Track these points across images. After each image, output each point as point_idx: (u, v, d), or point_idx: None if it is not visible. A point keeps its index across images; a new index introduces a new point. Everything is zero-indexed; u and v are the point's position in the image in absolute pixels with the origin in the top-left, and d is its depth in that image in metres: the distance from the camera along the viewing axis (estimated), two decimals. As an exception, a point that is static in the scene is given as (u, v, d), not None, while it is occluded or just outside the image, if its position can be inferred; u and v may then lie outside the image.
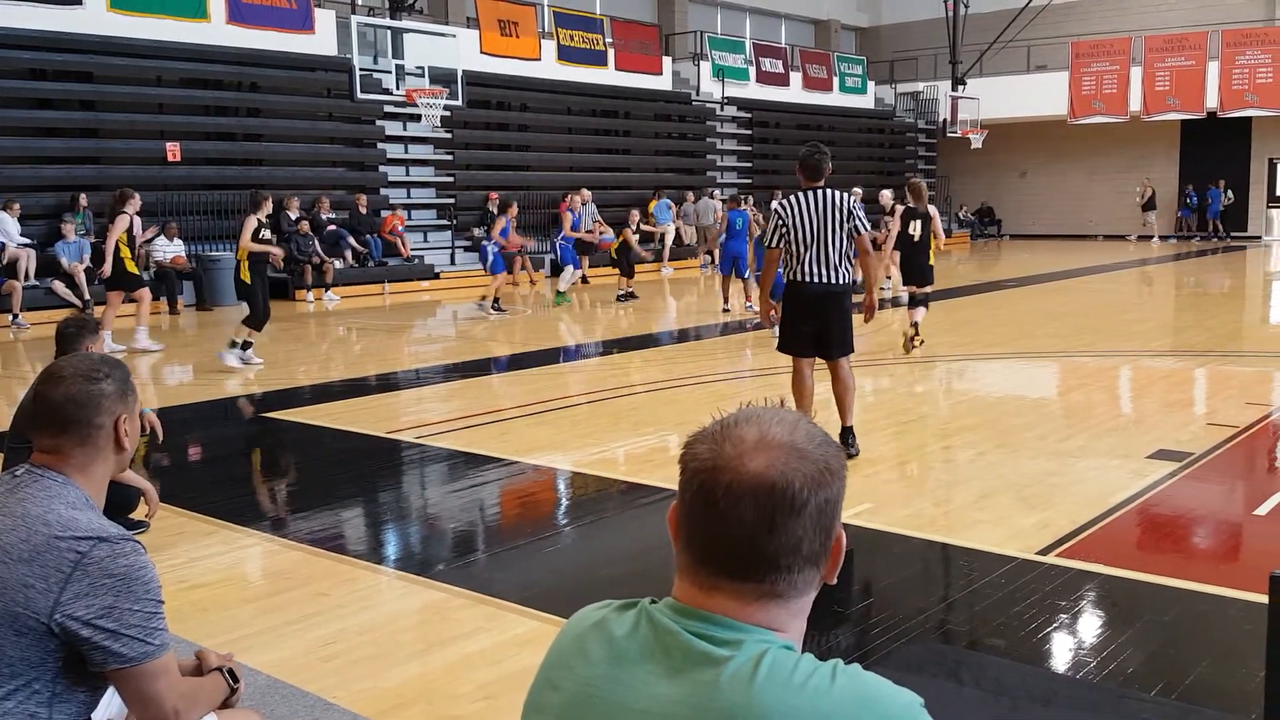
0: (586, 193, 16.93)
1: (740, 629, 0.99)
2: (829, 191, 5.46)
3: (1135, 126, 26.59)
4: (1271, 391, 8.08)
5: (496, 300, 13.18)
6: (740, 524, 0.99)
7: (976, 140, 27.04)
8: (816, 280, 5.46)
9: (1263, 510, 4.83)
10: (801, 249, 5.45)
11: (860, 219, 5.48)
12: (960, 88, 27.15)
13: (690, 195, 21.02)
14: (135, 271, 10.26)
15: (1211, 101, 25.12)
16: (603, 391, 8.11)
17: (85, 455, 1.74)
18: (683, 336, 11.71)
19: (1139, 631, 3.50)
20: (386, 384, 8.70)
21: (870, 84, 28.80)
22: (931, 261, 9.59)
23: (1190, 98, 25.27)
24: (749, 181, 23.67)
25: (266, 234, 9.27)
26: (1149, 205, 27.04)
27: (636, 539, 4.68)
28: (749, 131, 24.55)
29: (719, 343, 11.02)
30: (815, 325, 5.55)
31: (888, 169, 27.79)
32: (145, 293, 10.38)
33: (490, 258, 13.24)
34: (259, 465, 6.62)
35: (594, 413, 7.37)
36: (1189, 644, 3.41)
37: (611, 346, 10.70)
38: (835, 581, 1.07)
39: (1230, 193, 26.54)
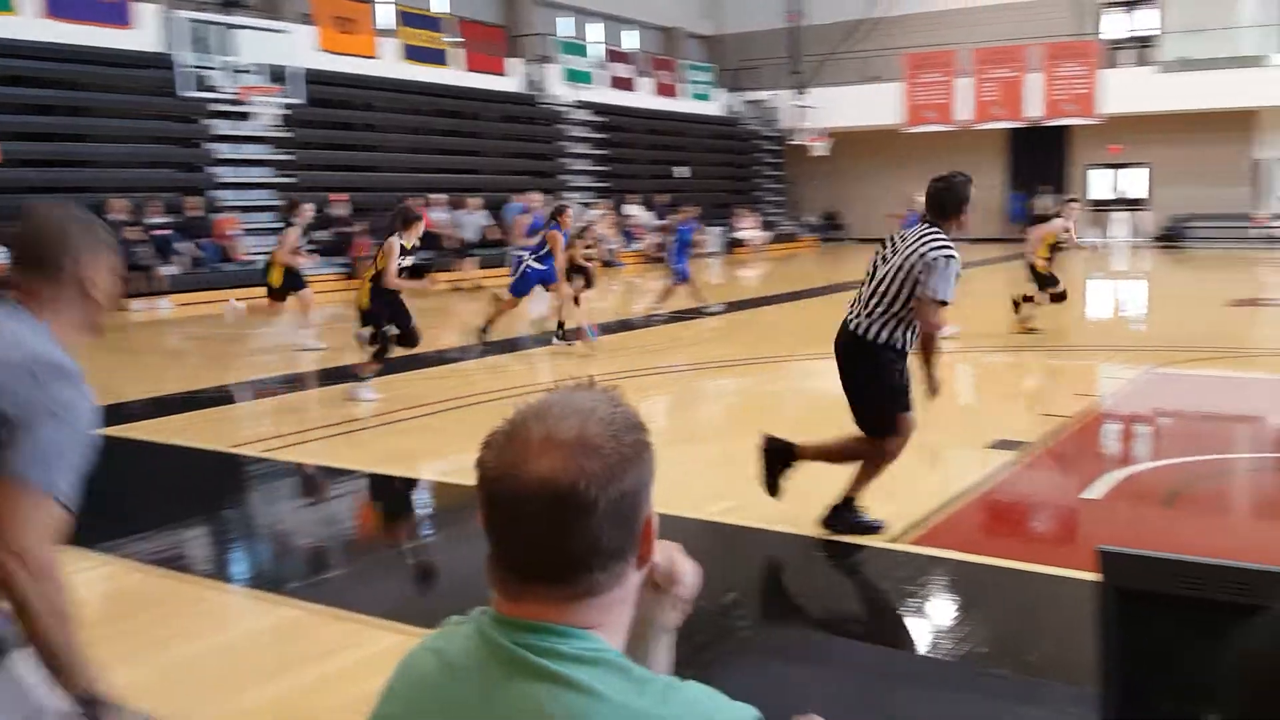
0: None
1: (562, 634, 0.97)
2: (926, 235, 4.30)
3: (966, 134, 28.06)
4: (1096, 382, 8.68)
5: (562, 327, 10.52)
6: (532, 531, 0.96)
7: (820, 148, 27.99)
8: (847, 321, 4.47)
9: (1090, 494, 5.19)
10: (863, 284, 4.47)
11: (934, 282, 4.19)
12: (802, 96, 28.07)
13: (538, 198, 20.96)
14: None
15: (1034, 111, 26.75)
16: (466, 397, 8.02)
17: (52, 294, 1.80)
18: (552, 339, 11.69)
19: (987, 612, 3.71)
20: (227, 396, 8.36)
21: (717, 91, 29.44)
22: None
23: (1014, 108, 26.86)
24: (607, 185, 23.83)
25: None
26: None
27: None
28: (603, 135, 24.72)
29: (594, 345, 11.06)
30: (842, 380, 4.55)
31: (736, 175, 28.46)
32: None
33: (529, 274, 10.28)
34: (91, 485, 6.25)
35: (456, 420, 7.28)
36: (1033, 622, 3.64)
37: (479, 350, 10.56)
38: (655, 560, 1.05)
39: (1047, 198, 28.33)
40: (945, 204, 4.40)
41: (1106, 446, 6.57)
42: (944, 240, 4.25)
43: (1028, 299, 10.67)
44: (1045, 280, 10.57)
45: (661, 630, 1.14)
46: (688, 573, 1.14)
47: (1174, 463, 5.80)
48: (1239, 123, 25.79)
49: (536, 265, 10.19)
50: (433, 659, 1.04)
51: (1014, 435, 6.32)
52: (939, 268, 4.17)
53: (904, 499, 5.02)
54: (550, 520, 0.96)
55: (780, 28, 28.08)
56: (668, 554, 1.11)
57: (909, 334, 4.33)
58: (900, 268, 4.25)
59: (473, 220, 19.17)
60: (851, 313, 4.44)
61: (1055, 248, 10.63)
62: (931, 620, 3.68)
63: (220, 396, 8.27)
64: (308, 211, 10.72)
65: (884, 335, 4.31)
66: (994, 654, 3.33)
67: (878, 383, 4.37)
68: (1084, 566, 3.87)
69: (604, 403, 1.02)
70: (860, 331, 4.35)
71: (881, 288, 4.30)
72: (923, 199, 4.54)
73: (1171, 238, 26.82)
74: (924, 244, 4.24)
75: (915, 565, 4.14)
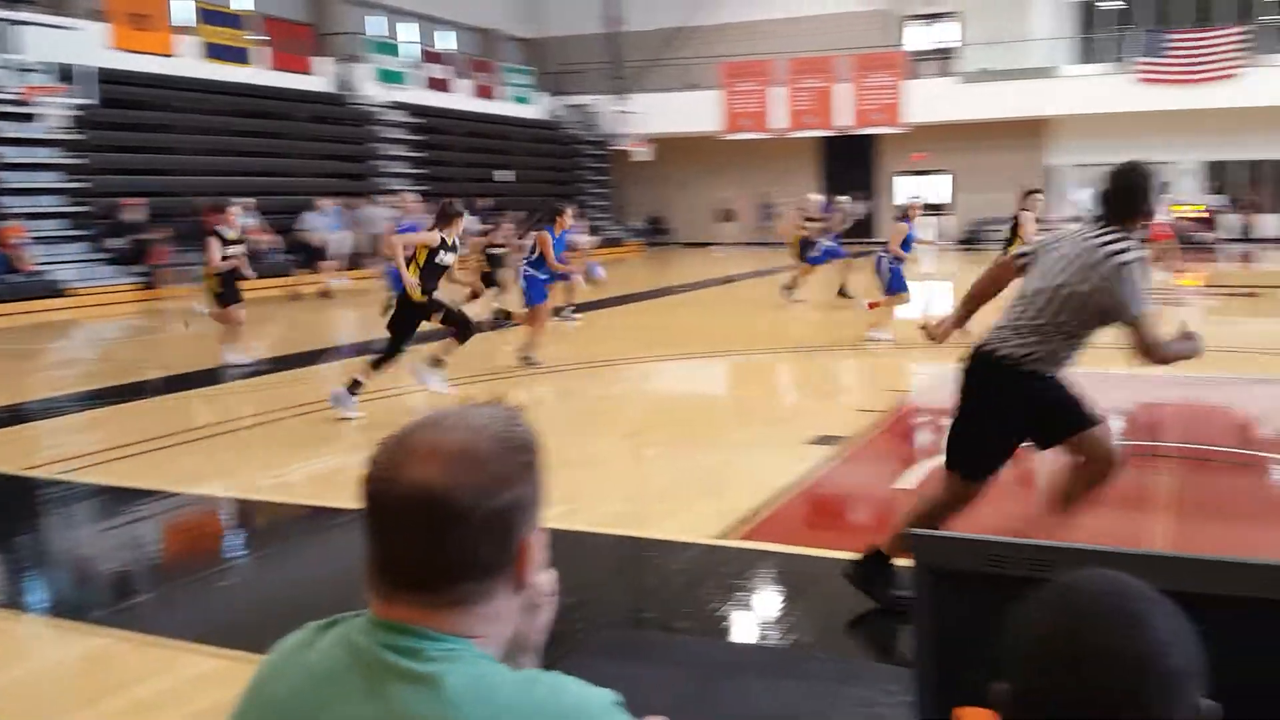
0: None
1: (433, 639, 0.98)
2: (1105, 236, 3.36)
3: (782, 142, 29.12)
4: (905, 378, 9.18)
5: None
6: (406, 536, 0.98)
7: (642, 153, 28.42)
8: (985, 342, 3.56)
9: (904, 483, 5.49)
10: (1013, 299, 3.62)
11: (1127, 296, 3.28)
12: (624, 102, 28.45)
13: (356, 202, 20.43)
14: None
15: (844, 120, 28.02)
16: (277, 412, 7.73)
17: None
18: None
19: (812, 601, 3.88)
20: (17, 415, 7.78)
21: (538, 95, 29.46)
22: None
23: (825, 116, 28.07)
24: (427, 189, 23.43)
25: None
26: (730, 218, 29.42)
27: (323, 563, 4.53)
28: (420, 137, 24.30)
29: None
30: (962, 404, 3.64)
31: (559, 179, 28.54)
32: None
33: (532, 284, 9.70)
34: None
35: (266, 435, 7.01)
36: (856, 608, 3.82)
37: (285, 363, 10.19)
38: (532, 587, 1.06)
39: (862, 204, 29.76)
40: (1129, 198, 3.42)
41: (918, 438, 6.96)
42: (1130, 241, 3.35)
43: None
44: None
45: (531, 648, 1.15)
46: (544, 580, 1.16)
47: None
48: (1032, 131, 27.77)
49: (535, 272, 9.62)
50: (292, 664, 1.03)
51: (832, 430, 6.61)
52: (1132, 277, 3.27)
53: (729, 496, 5.18)
54: (421, 527, 0.97)
55: (601, 33, 28.37)
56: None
57: (1061, 359, 3.46)
58: (1065, 278, 3.36)
59: (325, 221, 18.58)
60: (996, 336, 3.52)
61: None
62: (760, 612, 3.82)
63: (10, 416, 7.69)
64: (232, 216, 9.88)
65: (1031, 360, 3.41)
66: (820, 640, 3.49)
67: (1002, 417, 3.50)
68: (898, 554, 4.13)
69: (499, 420, 1.04)
70: (1001, 354, 3.45)
71: (1038, 301, 3.41)
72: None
73: (973, 240, 28.62)
74: (1106, 247, 3.31)
75: (743, 560, 4.28)
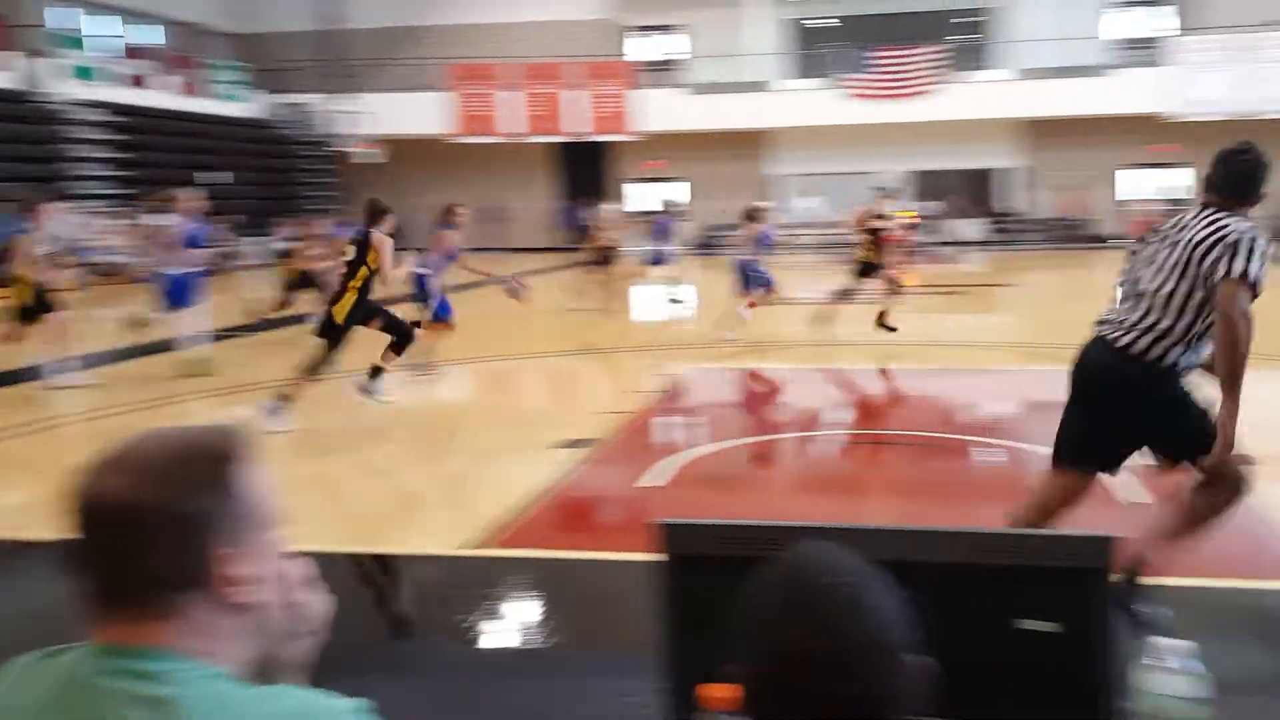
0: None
1: (154, 659, 0.95)
2: (1216, 219, 3.23)
3: (518, 147, 29.23)
4: (651, 379, 9.46)
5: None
6: (99, 550, 0.97)
7: (369, 155, 27.66)
8: (1107, 340, 3.35)
9: (651, 481, 5.66)
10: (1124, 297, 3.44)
11: (1238, 262, 3.12)
12: (348, 102, 27.58)
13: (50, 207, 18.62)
14: None
15: (576, 127, 28.50)
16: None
17: None
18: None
19: (564, 603, 3.94)
20: None
21: (252, 93, 28.03)
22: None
23: (558, 123, 28.46)
24: (132, 191, 21.68)
25: None
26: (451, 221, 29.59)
27: (14, 600, 4.12)
28: (121, 137, 22.50)
29: (114, 372, 9.98)
30: (1080, 415, 3.44)
31: (276, 180, 27.25)
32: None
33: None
34: None
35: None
36: (615, 604, 3.91)
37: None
38: (251, 603, 1.01)
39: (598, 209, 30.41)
40: (1246, 181, 3.32)
41: (662, 437, 7.19)
42: (1243, 221, 3.22)
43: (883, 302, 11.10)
44: (867, 269, 10.78)
45: (290, 667, 1.12)
46: (313, 603, 1.12)
47: (721, 446, 6.50)
48: (752, 141, 29.35)
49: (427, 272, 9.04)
50: (15, 694, 0.98)
51: (579, 434, 6.71)
52: (1246, 246, 3.12)
53: (476, 505, 5.14)
54: (110, 539, 0.97)
55: (320, 29, 27.39)
56: (288, 587, 1.08)
57: (1188, 353, 3.27)
58: (1180, 262, 3.20)
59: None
60: (1110, 330, 3.34)
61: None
62: (512, 618, 3.84)
63: None
64: (51, 211, 8.63)
65: (1168, 356, 3.25)
66: (574, 639, 3.54)
67: (1184, 409, 3.33)
68: (645, 548, 4.26)
69: (198, 433, 1.03)
70: (1138, 352, 3.25)
71: (1162, 291, 3.23)
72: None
73: (709, 246, 29.92)
74: (1216, 228, 3.18)
75: (493, 568, 4.27)
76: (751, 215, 11.20)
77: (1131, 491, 5.32)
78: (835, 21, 29.90)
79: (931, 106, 26.60)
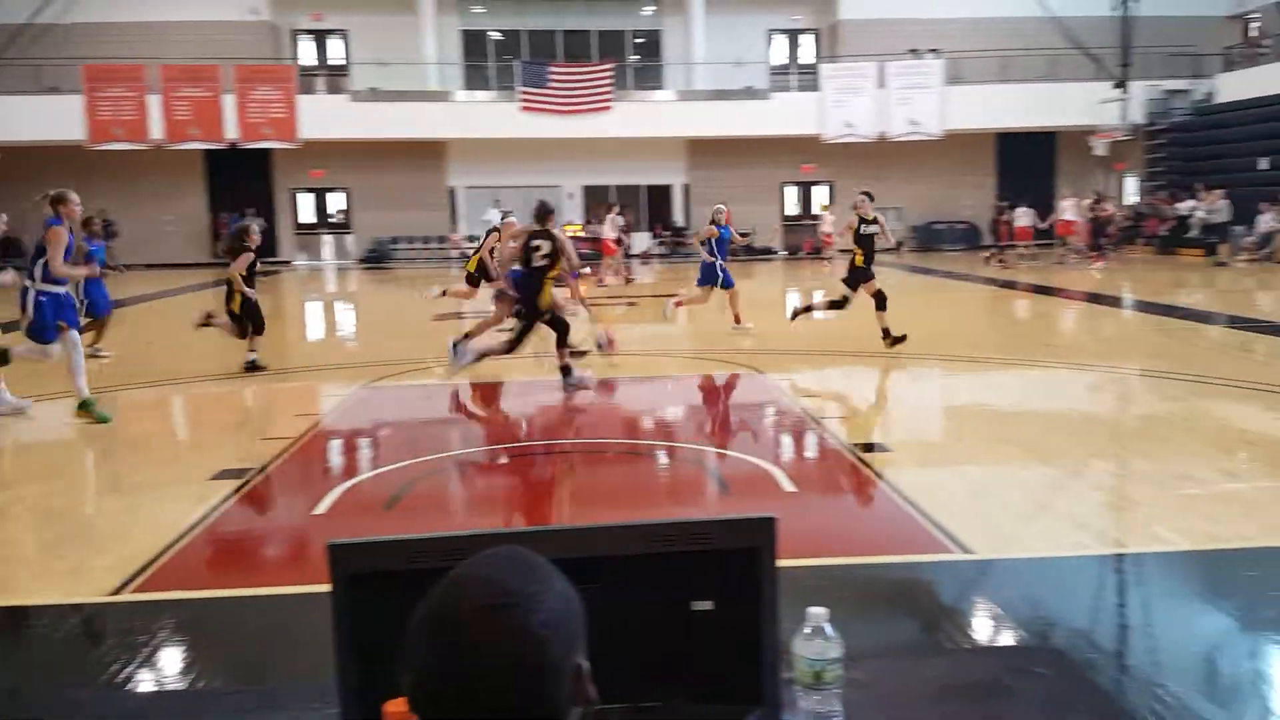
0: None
1: None
2: None
3: (163, 154, 27.16)
4: (317, 401, 9.08)
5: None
6: None
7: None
8: None
9: (321, 509, 5.42)
10: None
11: None
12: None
13: None
14: None
15: (232, 133, 26.93)
16: None
17: None
18: None
19: (223, 642, 3.67)
20: None
21: None
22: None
23: (211, 128, 26.74)
24: None
25: None
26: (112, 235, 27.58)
27: None
28: None
29: None
30: None
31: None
32: None
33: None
34: None
35: None
36: (280, 639, 3.69)
37: None
38: None
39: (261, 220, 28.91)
40: None
41: (329, 462, 6.91)
42: None
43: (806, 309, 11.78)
44: (855, 276, 10.91)
45: None
46: None
47: (392, 468, 6.34)
48: (433, 152, 29.06)
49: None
50: None
51: (238, 464, 6.32)
52: None
53: (125, 548, 4.71)
54: None
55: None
56: None
57: None
58: None
59: None
60: None
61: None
62: (166, 664, 3.53)
63: None
64: None
65: None
66: (240, 677, 3.32)
67: None
68: (321, 579, 4.07)
69: None
70: None
71: None
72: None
73: (376, 259, 29.20)
74: None
75: (142, 613, 3.92)
76: (714, 219, 12.35)
77: (787, 481, 5.77)
78: (515, 34, 30.30)
79: (606, 123, 27.55)
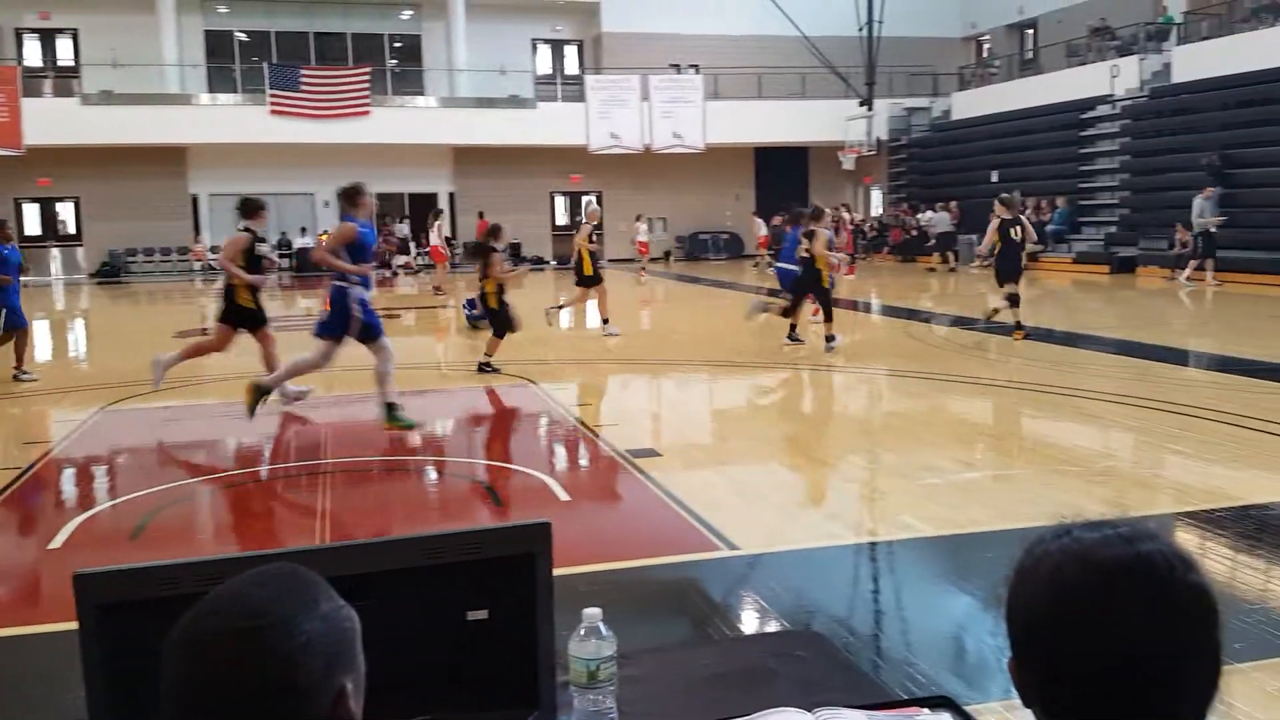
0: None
1: None
2: None
3: None
4: (49, 427, 8.40)
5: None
6: None
7: None
8: None
9: (57, 543, 5.05)
10: None
11: None
12: None
13: None
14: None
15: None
16: None
17: None
18: None
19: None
20: None
21: None
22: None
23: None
24: None
25: None
26: None
27: None
28: None
29: None
30: None
31: None
32: None
33: None
34: None
35: None
36: (27, 685, 3.43)
37: None
38: None
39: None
40: None
41: (64, 492, 6.44)
42: None
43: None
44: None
45: None
46: None
47: (136, 496, 5.97)
48: (174, 158, 27.42)
49: None
50: None
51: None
52: None
53: None
54: None
55: None
56: None
57: None
58: None
59: None
60: None
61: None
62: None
63: None
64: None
65: None
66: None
67: None
68: (66, 617, 3.79)
69: None
70: None
71: None
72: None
73: (110, 273, 27.29)
74: None
75: None
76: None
77: (561, 490, 5.87)
78: (264, 35, 29.07)
79: (364, 128, 26.87)
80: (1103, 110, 23.51)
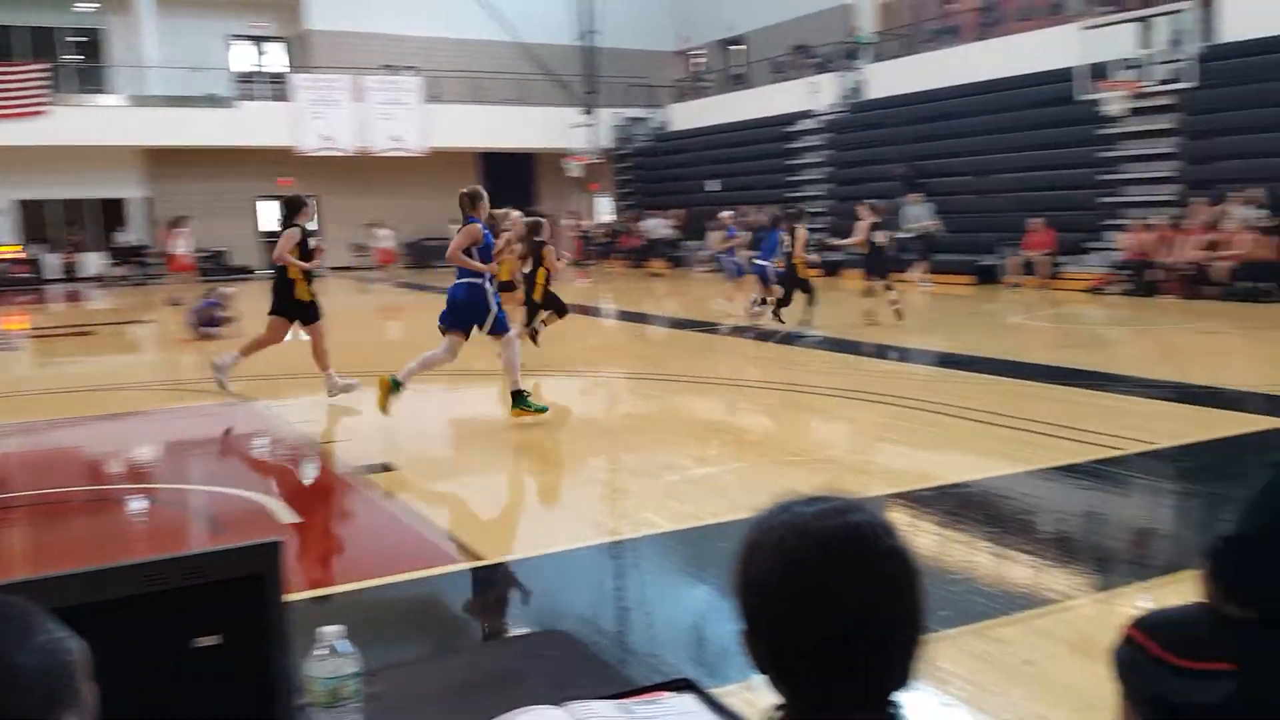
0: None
1: None
2: None
3: None
4: None
5: None
6: None
7: None
8: None
9: None
10: None
11: None
12: None
13: None
14: None
15: None
16: None
17: None
18: None
19: None
20: None
21: None
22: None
23: None
24: None
25: None
26: None
27: None
28: None
29: None
30: None
31: None
32: None
33: None
34: None
35: None
36: None
37: None
38: None
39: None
40: None
41: None
42: None
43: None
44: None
45: None
46: None
47: None
48: None
49: None
50: None
51: None
52: None
53: None
54: None
55: None
56: None
57: None
58: None
59: None
60: None
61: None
62: None
63: None
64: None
65: None
66: None
67: None
68: None
69: None
70: None
71: None
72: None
73: None
74: None
75: None
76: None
77: (289, 512, 5.62)
78: None
79: (41, 129, 24.58)
80: (807, 124, 25.10)
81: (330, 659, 1.63)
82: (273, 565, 1.61)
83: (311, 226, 9.18)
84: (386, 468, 6.61)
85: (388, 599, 4.32)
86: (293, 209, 9.08)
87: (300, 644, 1.60)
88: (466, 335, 7.88)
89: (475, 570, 4.55)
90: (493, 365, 10.99)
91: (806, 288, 13.04)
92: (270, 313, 9.12)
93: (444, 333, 7.86)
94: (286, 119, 27.16)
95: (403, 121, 28.19)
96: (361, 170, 29.00)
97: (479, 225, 7.77)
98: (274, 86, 28.68)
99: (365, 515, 5.82)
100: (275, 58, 30.52)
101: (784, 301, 13.18)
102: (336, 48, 29.07)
